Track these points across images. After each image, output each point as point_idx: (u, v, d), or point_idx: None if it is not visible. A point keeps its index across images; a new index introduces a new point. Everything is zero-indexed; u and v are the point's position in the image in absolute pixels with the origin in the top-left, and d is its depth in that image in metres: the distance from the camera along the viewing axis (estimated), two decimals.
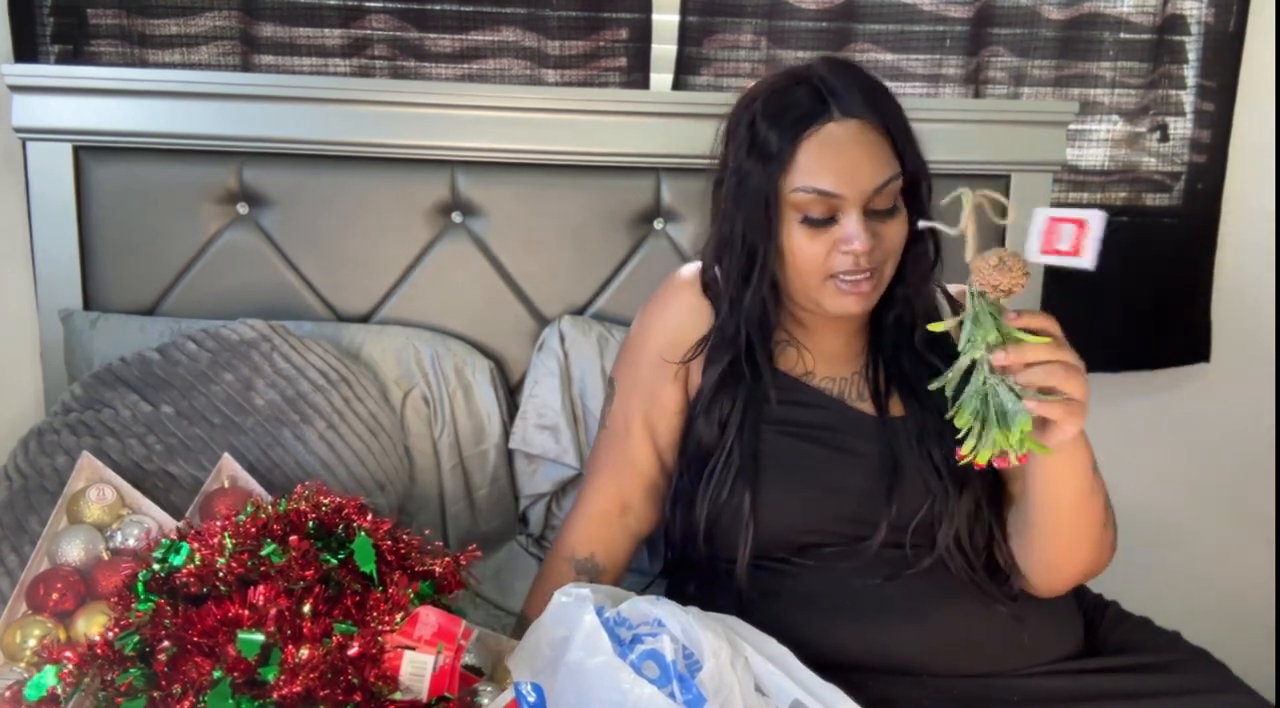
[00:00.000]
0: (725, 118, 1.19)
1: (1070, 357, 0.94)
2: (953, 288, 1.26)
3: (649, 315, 1.28)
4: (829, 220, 1.10)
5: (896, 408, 1.20)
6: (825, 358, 1.22)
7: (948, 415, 0.97)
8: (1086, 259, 0.89)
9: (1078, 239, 0.90)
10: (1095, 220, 0.89)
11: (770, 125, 1.11)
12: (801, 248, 1.11)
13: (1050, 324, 0.95)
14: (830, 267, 1.11)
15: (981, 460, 0.94)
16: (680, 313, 1.25)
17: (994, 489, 1.18)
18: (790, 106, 1.11)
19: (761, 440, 1.18)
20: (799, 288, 1.15)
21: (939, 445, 1.15)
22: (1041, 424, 0.95)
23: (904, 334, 1.20)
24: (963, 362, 0.95)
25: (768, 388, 1.19)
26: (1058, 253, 0.90)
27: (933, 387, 0.98)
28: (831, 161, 1.09)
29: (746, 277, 1.16)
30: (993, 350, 0.93)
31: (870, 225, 1.10)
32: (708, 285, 1.23)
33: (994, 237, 0.95)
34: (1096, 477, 1.08)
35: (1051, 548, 1.12)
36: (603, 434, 1.30)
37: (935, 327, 0.98)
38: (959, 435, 0.96)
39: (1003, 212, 0.94)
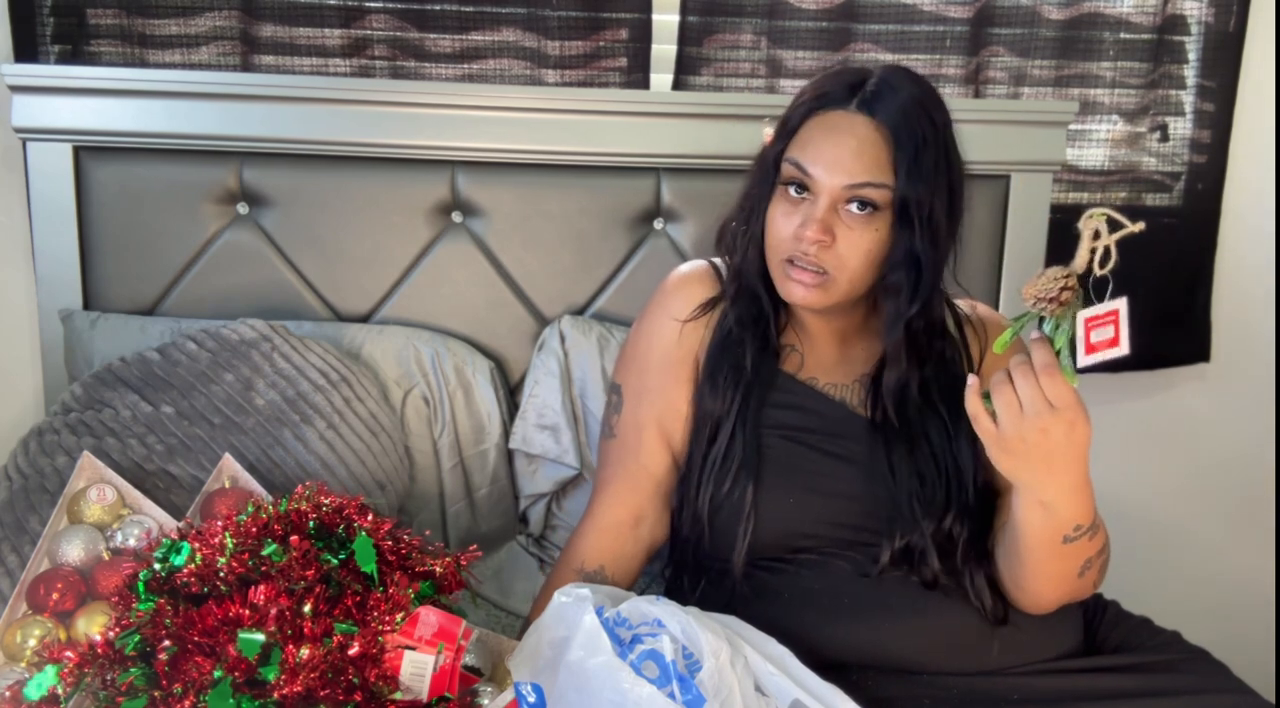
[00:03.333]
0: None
1: (1052, 411, 0.96)
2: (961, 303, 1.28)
3: (651, 317, 1.28)
4: (803, 197, 1.13)
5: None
6: (828, 364, 1.23)
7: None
8: (1124, 347, 0.92)
9: (1115, 330, 0.92)
10: (1124, 307, 0.92)
11: (798, 102, 1.16)
12: (775, 220, 1.15)
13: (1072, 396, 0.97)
14: (788, 248, 1.14)
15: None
16: (684, 306, 1.25)
17: (985, 500, 1.18)
18: (821, 88, 1.15)
19: (764, 443, 1.18)
20: (768, 264, 1.18)
21: (932, 457, 1.16)
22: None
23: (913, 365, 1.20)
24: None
25: (773, 355, 1.21)
26: (1098, 349, 0.93)
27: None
28: (821, 142, 1.12)
29: (745, 236, 1.20)
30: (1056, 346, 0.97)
31: (834, 222, 1.11)
32: (721, 242, 1.26)
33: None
34: (1090, 540, 1.08)
35: (1020, 572, 1.12)
36: (612, 444, 1.27)
37: (999, 345, 1.01)
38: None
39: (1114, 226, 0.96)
